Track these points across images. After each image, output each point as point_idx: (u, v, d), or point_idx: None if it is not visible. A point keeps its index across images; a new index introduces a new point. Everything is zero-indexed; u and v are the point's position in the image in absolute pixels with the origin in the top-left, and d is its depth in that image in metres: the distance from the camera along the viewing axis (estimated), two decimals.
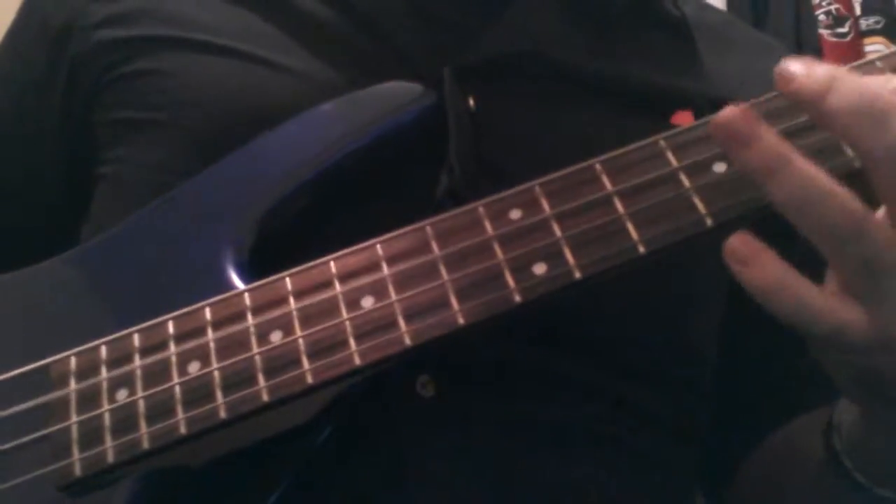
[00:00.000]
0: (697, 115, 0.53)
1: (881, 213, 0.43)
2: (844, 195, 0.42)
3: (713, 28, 0.71)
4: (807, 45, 2.03)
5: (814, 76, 0.42)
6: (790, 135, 0.45)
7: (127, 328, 0.50)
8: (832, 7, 2.19)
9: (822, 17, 2.17)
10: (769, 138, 0.42)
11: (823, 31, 2.15)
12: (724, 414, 0.66)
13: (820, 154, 0.45)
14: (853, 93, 0.42)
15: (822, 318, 0.43)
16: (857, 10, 2.20)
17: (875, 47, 2.10)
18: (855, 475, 0.53)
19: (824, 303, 0.43)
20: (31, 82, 0.69)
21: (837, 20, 2.18)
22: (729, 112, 0.42)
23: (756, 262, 0.43)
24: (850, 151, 0.46)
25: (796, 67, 0.43)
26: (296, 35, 0.63)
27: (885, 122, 0.41)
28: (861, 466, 0.53)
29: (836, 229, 0.42)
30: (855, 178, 0.44)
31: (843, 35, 2.14)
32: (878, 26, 2.10)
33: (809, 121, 0.46)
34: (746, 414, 0.68)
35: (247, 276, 0.52)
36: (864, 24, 2.18)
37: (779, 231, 0.44)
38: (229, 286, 0.52)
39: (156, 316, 0.50)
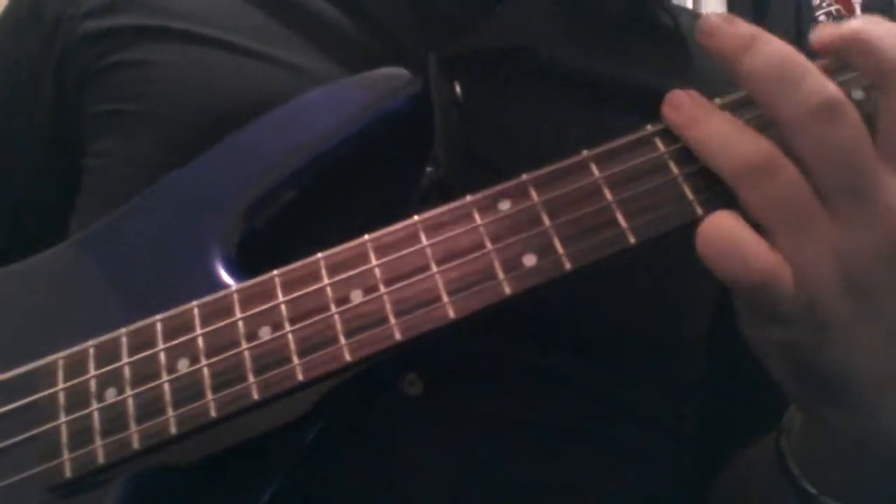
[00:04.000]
0: None
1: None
2: (749, 134, 0.43)
3: None
4: (807, 46, 2.03)
5: (735, 32, 0.44)
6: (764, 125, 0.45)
7: (115, 325, 0.50)
8: (833, 8, 2.19)
9: (822, 18, 2.17)
10: (692, 94, 0.46)
11: None
12: (705, 426, 0.65)
13: None
14: (770, 54, 0.43)
15: (754, 264, 0.42)
16: (858, 11, 2.20)
17: None
18: (801, 481, 0.51)
19: (759, 248, 0.43)
20: (24, 73, 0.69)
21: (838, 20, 2.18)
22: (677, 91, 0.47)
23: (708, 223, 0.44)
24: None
25: (719, 21, 0.44)
26: (285, 25, 0.62)
27: (796, 84, 0.42)
28: (807, 472, 0.51)
29: (740, 165, 0.43)
30: None
31: None
32: None
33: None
34: (725, 426, 0.67)
35: (235, 271, 0.52)
36: None
37: None
38: (217, 280, 0.51)
39: (144, 312, 0.50)
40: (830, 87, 0.42)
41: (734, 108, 0.47)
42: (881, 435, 0.46)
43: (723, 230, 0.43)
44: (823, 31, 0.44)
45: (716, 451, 0.67)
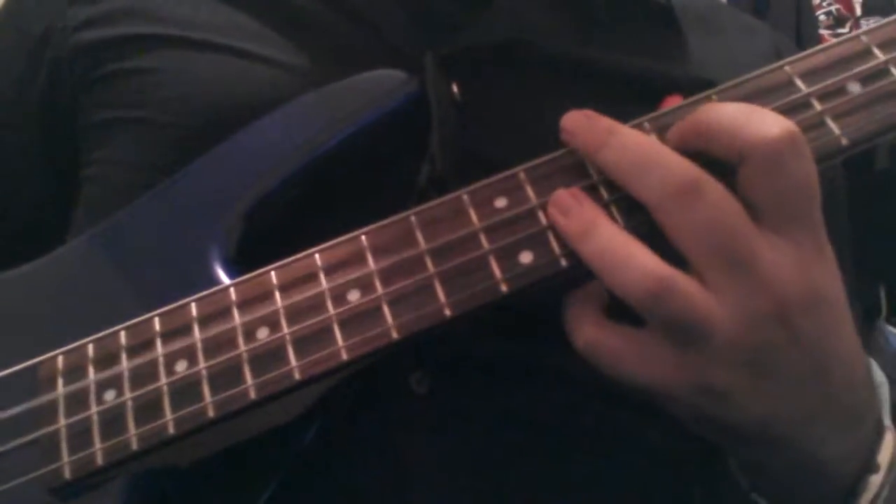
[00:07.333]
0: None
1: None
2: (646, 259, 0.43)
3: (699, 13, 0.71)
4: (808, 46, 2.03)
5: (592, 129, 0.47)
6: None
7: (114, 325, 0.50)
8: (833, 7, 2.19)
9: (822, 18, 2.17)
10: (585, 205, 0.46)
11: (824, 32, 2.16)
12: None
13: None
14: (624, 146, 0.45)
15: (639, 371, 0.45)
16: (858, 11, 2.21)
17: None
18: (751, 495, 0.52)
19: (639, 357, 0.45)
20: (10, 88, 0.69)
21: (838, 20, 2.18)
22: (560, 190, 0.47)
23: (579, 324, 0.47)
24: None
25: (580, 119, 0.47)
26: (279, 26, 0.62)
27: (651, 173, 0.44)
28: (755, 486, 0.53)
29: (638, 292, 0.43)
30: None
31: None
32: (882, 22, 2.10)
33: None
34: None
35: (233, 271, 0.52)
36: (864, 24, 2.18)
37: None
38: (215, 281, 0.51)
39: (143, 312, 0.50)
40: (687, 170, 0.44)
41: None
42: (808, 460, 0.48)
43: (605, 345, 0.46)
44: (673, 130, 0.47)
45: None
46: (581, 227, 0.45)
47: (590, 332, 0.46)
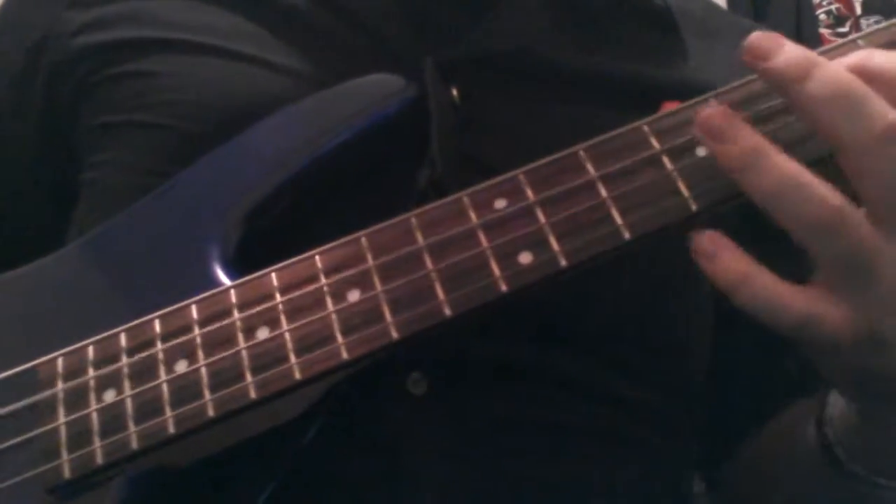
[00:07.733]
0: None
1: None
2: (821, 187, 0.41)
3: (696, 17, 0.71)
4: (808, 45, 2.03)
5: (792, 59, 0.42)
6: (762, 119, 0.45)
7: (114, 327, 0.50)
8: (833, 6, 2.19)
9: (822, 17, 2.17)
10: (746, 133, 0.42)
11: (824, 31, 2.16)
12: (720, 403, 0.66)
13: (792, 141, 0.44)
14: (830, 81, 0.41)
15: (788, 309, 0.43)
16: (858, 10, 2.20)
17: None
18: (850, 466, 0.52)
19: (789, 294, 0.43)
20: (8, 92, 0.69)
21: (838, 20, 2.18)
22: (709, 110, 0.44)
23: (721, 257, 0.43)
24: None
25: (770, 44, 0.42)
26: (280, 31, 0.62)
27: (859, 112, 0.41)
28: (856, 457, 0.52)
29: (813, 222, 0.41)
30: (827, 163, 0.44)
31: (844, 35, 2.14)
32: (879, 26, 2.10)
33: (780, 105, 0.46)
34: (740, 405, 0.68)
35: (233, 273, 0.52)
36: (864, 23, 2.18)
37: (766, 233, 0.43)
38: (215, 283, 0.51)
39: (143, 314, 0.50)
40: (893, 112, 0.41)
41: (736, 107, 0.46)
42: None
43: (750, 282, 0.43)
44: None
45: (725, 438, 0.68)
46: (747, 156, 0.42)
47: (738, 267, 0.43)
